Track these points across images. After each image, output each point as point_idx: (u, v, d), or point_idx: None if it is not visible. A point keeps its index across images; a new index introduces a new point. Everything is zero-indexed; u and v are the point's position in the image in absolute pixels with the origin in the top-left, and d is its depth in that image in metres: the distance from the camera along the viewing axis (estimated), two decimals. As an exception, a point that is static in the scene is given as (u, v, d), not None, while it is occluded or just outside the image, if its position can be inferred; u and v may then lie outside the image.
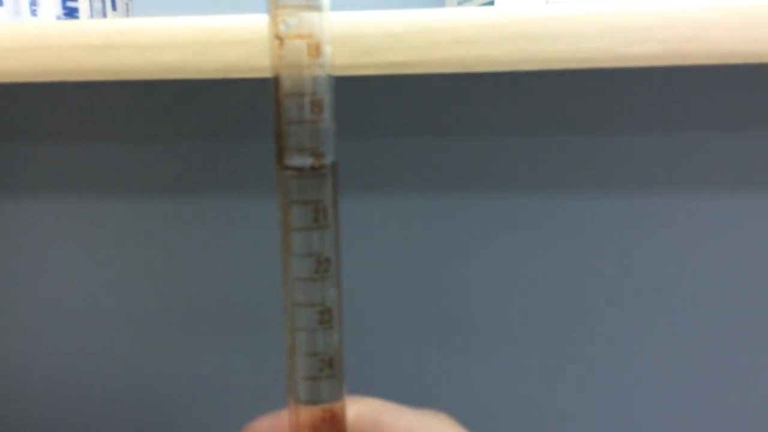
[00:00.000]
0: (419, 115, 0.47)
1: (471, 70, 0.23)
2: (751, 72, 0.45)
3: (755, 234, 0.48)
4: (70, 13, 0.31)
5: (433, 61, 0.23)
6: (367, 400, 0.20)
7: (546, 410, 0.52)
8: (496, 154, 0.48)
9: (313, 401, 0.19)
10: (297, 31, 0.16)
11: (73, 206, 0.51)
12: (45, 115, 0.49)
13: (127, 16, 0.34)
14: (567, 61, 0.22)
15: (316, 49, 0.17)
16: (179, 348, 0.53)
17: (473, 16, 0.23)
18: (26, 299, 0.53)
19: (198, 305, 0.52)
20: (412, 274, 0.50)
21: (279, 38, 0.16)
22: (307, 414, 0.19)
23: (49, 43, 0.24)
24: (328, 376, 0.19)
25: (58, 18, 0.31)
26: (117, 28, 0.24)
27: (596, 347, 0.51)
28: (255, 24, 0.27)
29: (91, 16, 0.32)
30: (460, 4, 0.38)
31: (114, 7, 0.33)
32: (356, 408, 0.20)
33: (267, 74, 0.28)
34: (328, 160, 0.17)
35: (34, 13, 0.30)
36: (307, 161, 0.17)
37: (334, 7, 0.47)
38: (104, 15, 0.32)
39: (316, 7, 0.16)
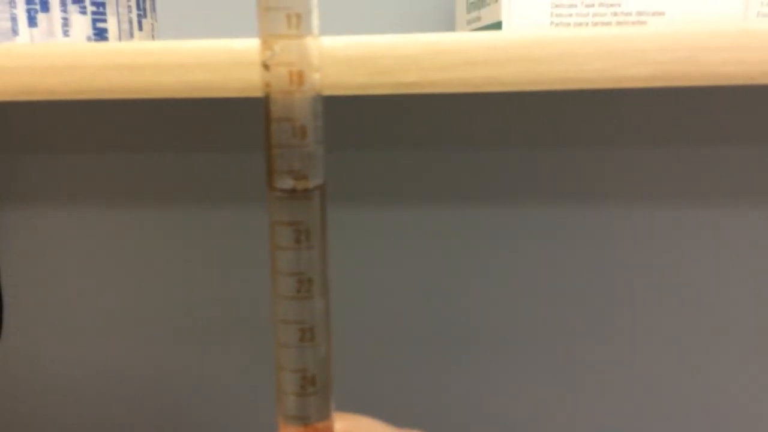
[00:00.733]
0: (429, 130, 0.49)
1: (479, 90, 0.24)
2: (741, 92, 0.46)
3: (758, 245, 0.49)
4: (100, 33, 0.33)
5: (444, 81, 0.25)
6: (357, 418, 0.20)
7: (551, 421, 0.52)
8: (502, 166, 0.49)
9: (297, 417, 0.19)
10: (280, 58, 0.17)
11: (88, 215, 0.52)
12: (63, 128, 0.50)
13: (153, 37, 0.36)
14: (570, 81, 0.24)
15: (299, 77, 0.17)
16: (180, 352, 0.54)
17: (482, 39, 0.25)
18: (26, 305, 0.54)
19: (201, 312, 0.53)
20: (416, 286, 0.51)
21: (265, 65, 0.17)
22: (291, 429, 0.19)
23: (84, 62, 0.26)
24: (311, 393, 0.19)
25: (89, 39, 0.32)
26: (148, 49, 0.26)
27: (602, 357, 0.51)
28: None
29: (119, 36, 0.33)
30: (469, 23, 0.40)
31: (140, 28, 0.35)
32: (344, 425, 0.20)
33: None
34: (312, 183, 0.18)
35: (66, 33, 0.32)
36: (289, 183, 0.17)
37: (350, 30, 0.49)
38: (131, 36, 0.34)
39: (299, 36, 0.17)
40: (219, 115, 0.49)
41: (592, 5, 0.32)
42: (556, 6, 0.32)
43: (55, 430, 0.55)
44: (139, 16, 0.35)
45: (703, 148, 0.48)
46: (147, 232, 0.51)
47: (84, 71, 0.26)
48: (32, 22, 0.31)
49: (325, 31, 0.47)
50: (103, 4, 0.32)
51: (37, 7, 0.31)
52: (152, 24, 0.36)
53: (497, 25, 0.34)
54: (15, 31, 0.31)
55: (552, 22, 0.33)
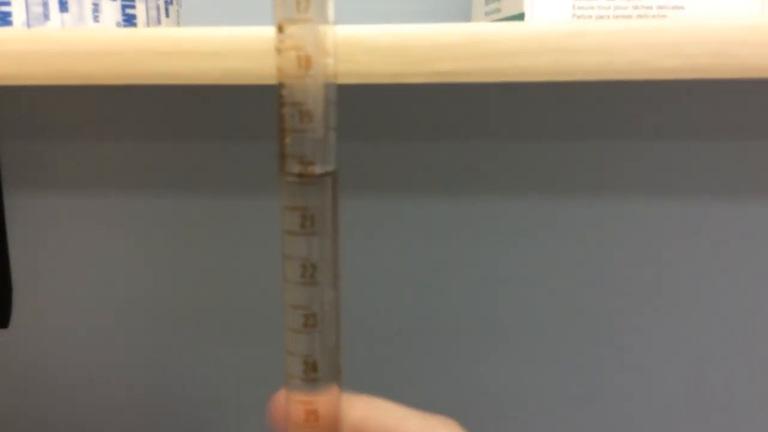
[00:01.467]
0: (441, 120, 0.49)
1: (514, 80, 0.25)
2: (763, 86, 0.47)
3: (761, 241, 0.50)
4: (129, 19, 0.33)
5: (479, 71, 0.26)
6: (376, 401, 0.20)
7: (551, 414, 0.53)
8: (511, 158, 0.50)
9: (300, 401, 0.19)
10: (289, 43, 0.17)
11: (101, 203, 0.52)
12: (79, 115, 0.51)
13: (178, 24, 0.36)
14: (602, 72, 0.25)
15: (306, 61, 0.17)
16: (183, 345, 0.54)
17: (517, 29, 0.25)
18: (35, 292, 0.54)
19: (204, 304, 0.53)
20: (421, 278, 0.52)
21: (277, 50, 0.17)
22: (293, 410, 0.19)
23: (120, 48, 0.26)
24: (312, 379, 0.19)
25: (118, 24, 0.33)
26: (186, 35, 0.26)
27: (602, 351, 0.52)
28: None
29: (147, 22, 0.34)
30: (488, 15, 0.40)
31: (167, 14, 0.35)
32: (363, 409, 0.20)
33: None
34: (318, 169, 0.18)
35: (96, 19, 0.32)
36: (296, 168, 0.17)
37: (361, 20, 0.49)
38: (159, 22, 0.34)
39: (307, 20, 0.17)
40: (237, 103, 0.50)
41: (614, -2, 0.33)
42: (579, -1, 0.33)
43: (66, 412, 0.56)
44: (166, 2, 0.35)
45: (728, 143, 0.49)
46: (158, 221, 0.52)
47: (119, 57, 0.27)
48: (63, 7, 0.32)
49: (337, 20, 0.48)
50: (132, -9, 0.33)
51: (69, -8, 0.32)
52: (177, 11, 0.36)
53: (519, 17, 0.34)
54: (46, 16, 0.32)
55: (574, 15, 0.33)
